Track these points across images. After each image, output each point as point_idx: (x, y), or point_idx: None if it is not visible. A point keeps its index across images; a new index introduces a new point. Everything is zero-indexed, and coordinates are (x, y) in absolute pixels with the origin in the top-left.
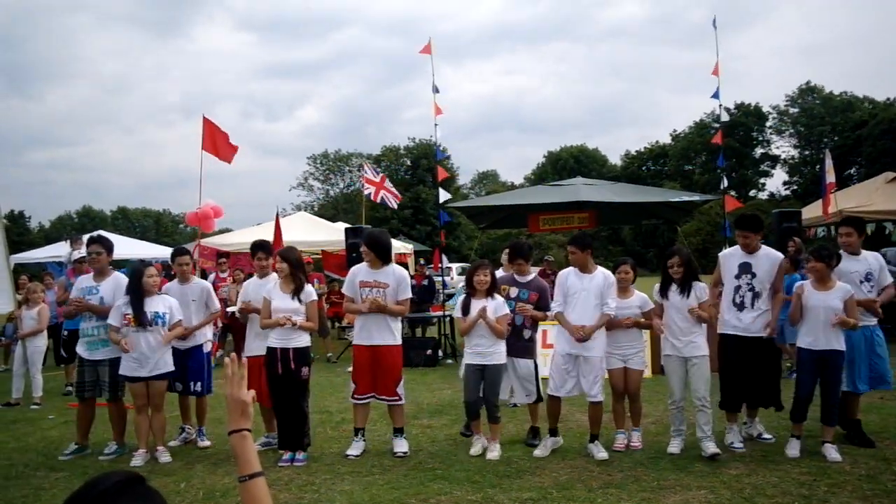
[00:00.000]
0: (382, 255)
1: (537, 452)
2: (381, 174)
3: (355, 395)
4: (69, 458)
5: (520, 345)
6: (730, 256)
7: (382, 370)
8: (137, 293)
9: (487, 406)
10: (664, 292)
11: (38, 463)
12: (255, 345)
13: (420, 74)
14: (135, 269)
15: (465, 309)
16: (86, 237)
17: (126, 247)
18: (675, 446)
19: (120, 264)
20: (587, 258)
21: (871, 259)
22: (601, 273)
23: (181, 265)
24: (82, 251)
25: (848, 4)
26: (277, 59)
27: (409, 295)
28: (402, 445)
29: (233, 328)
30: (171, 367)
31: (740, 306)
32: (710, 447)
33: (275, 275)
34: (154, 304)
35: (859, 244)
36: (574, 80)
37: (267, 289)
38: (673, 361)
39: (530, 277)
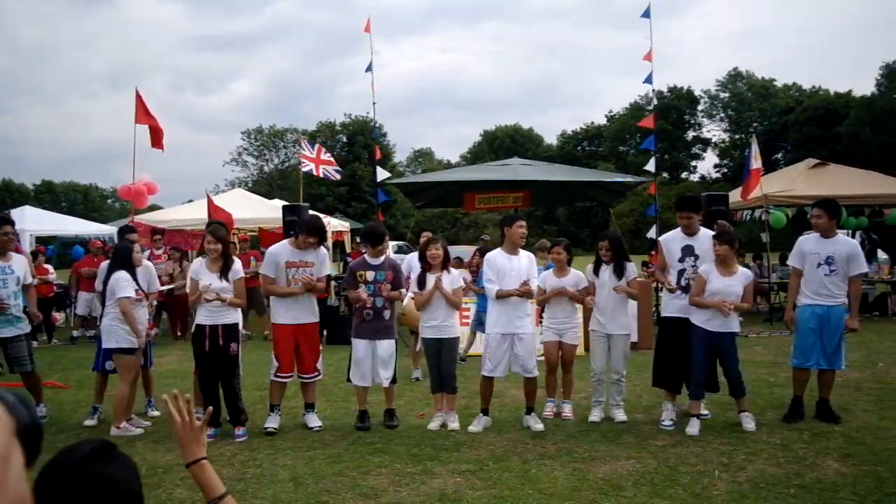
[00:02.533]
0: (323, 239)
1: (472, 428)
2: (316, 145)
3: (279, 374)
4: None
5: (381, 326)
6: (671, 240)
7: (306, 348)
8: (133, 269)
9: (444, 377)
10: (596, 272)
11: None
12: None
13: (356, 50)
14: (124, 246)
15: (421, 283)
16: (12, 212)
17: (53, 222)
18: (595, 415)
19: (47, 241)
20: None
21: (840, 244)
22: (524, 253)
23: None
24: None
25: None
26: (209, 31)
27: (328, 271)
28: (315, 420)
29: (168, 306)
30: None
31: (685, 289)
32: (619, 415)
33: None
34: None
35: (831, 226)
36: (509, 60)
37: (193, 269)
38: (598, 336)
39: (382, 259)
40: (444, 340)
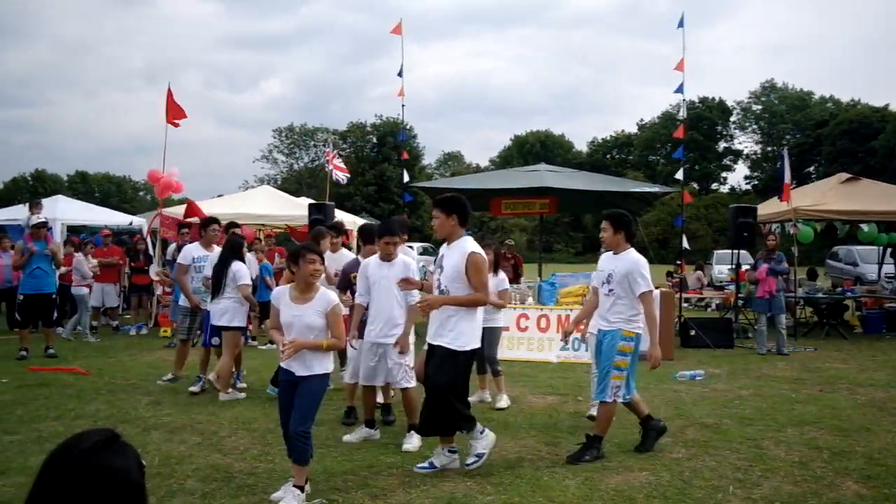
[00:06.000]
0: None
1: (347, 437)
2: (334, 150)
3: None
4: (165, 384)
5: None
6: (442, 249)
7: None
8: (243, 259)
9: (490, 362)
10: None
11: None
12: None
13: (387, 52)
14: (236, 240)
15: None
16: (45, 201)
17: (84, 213)
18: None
19: (78, 230)
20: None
21: (620, 262)
22: (401, 260)
23: (212, 232)
24: (41, 216)
25: (813, 4)
26: (244, 30)
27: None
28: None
29: None
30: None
31: None
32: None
33: (345, 250)
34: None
35: (618, 241)
36: (539, 66)
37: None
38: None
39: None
40: (485, 329)
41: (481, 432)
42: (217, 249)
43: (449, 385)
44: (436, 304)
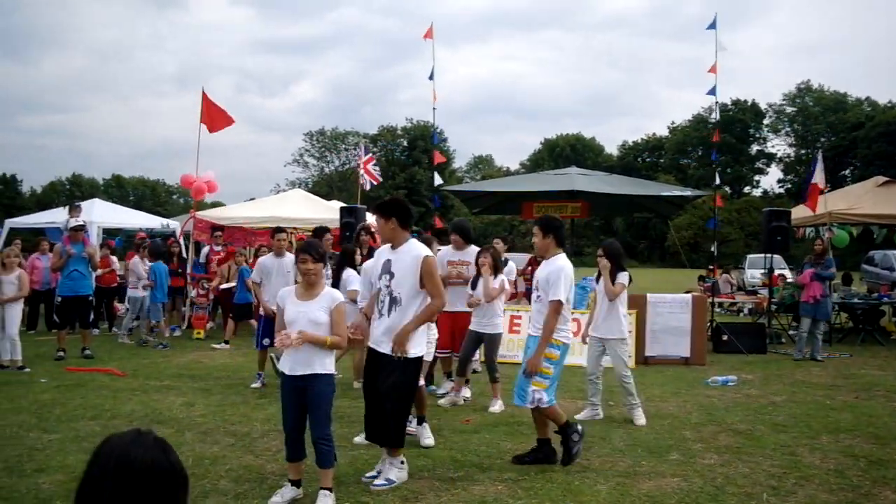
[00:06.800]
0: (466, 238)
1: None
2: (368, 155)
3: (438, 350)
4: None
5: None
6: (379, 252)
7: (460, 332)
8: (355, 266)
9: (489, 367)
10: (597, 280)
11: (31, 424)
12: None
13: (416, 56)
14: (351, 249)
15: (474, 284)
16: (83, 204)
17: (120, 215)
18: (583, 414)
19: (114, 233)
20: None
21: (545, 268)
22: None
23: (279, 241)
24: (80, 220)
25: (849, 4)
26: (274, 35)
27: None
28: (465, 392)
29: (222, 302)
30: None
31: (380, 313)
32: (638, 418)
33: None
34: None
35: (546, 246)
36: (569, 69)
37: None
38: (592, 340)
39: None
40: (485, 335)
41: (402, 462)
42: (289, 256)
43: (409, 393)
44: (404, 336)
